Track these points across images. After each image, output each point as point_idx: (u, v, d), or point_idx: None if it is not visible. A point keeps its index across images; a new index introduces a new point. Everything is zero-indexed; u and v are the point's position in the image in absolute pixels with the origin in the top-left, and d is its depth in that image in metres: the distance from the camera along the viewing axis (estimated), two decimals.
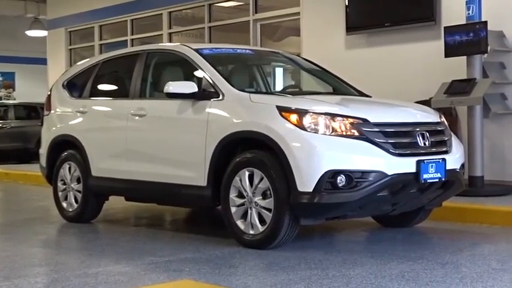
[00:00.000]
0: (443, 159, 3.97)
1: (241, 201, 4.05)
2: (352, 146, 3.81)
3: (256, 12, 8.50)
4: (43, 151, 5.59)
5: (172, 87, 4.29)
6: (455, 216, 4.70)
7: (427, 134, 4.00)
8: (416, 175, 3.84)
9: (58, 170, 5.35)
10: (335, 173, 3.73)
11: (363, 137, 3.81)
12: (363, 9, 6.86)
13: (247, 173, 4.00)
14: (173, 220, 5.65)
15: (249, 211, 4.01)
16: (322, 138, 3.81)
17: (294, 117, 3.87)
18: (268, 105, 4.04)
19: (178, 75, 5.08)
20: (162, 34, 9.93)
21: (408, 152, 3.92)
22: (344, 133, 3.83)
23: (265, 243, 3.92)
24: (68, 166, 5.25)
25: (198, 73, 4.55)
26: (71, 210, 5.23)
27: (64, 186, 5.30)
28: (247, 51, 5.34)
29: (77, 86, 5.55)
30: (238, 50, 5.16)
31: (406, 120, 4.11)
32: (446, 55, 5.56)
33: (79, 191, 5.14)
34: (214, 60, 4.63)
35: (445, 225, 4.58)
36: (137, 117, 4.73)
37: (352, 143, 3.81)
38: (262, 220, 3.93)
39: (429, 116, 4.27)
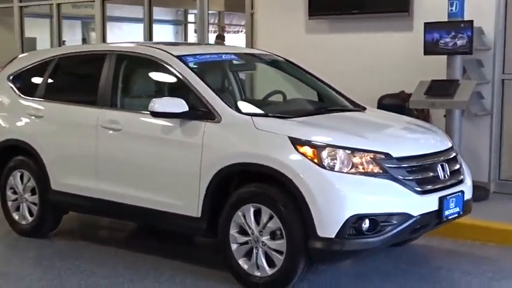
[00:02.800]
0: (462, 192, 3.64)
1: (245, 239, 3.54)
2: (376, 185, 3.34)
3: None
4: None
5: (158, 105, 3.66)
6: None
7: (446, 164, 3.62)
8: (439, 213, 3.48)
9: (7, 177, 4.61)
10: (360, 218, 3.27)
11: (386, 174, 3.35)
12: None
13: (252, 209, 3.49)
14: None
15: (254, 251, 3.51)
16: (345, 178, 3.31)
17: (310, 152, 3.34)
18: (279, 136, 3.45)
19: (159, 86, 4.44)
20: None
21: (430, 187, 3.49)
22: (366, 170, 3.35)
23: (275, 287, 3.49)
24: (19, 174, 4.54)
25: (184, 87, 3.86)
26: (24, 223, 4.53)
27: (15, 196, 4.57)
28: (233, 56, 4.63)
29: (26, 83, 4.73)
30: (223, 56, 4.48)
31: (427, 152, 3.64)
32: (426, 53, 5.00)
33: (34, 203, 4.45)
34: (202, 71, 4.04)
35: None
36: (110, 131, 4.06)
37: (376, 182, 3.34)
38: (269, 261, 3.46)
39: (443, 141, 3.84)
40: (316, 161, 3.33)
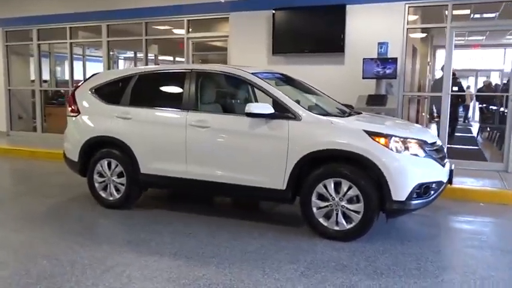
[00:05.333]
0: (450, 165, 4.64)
1: (325, 203, 4.28)
2: (425, 162, 4.19)
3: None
4: (73, 148, 5.55)
5: (253, 107, 4.40)
6: None
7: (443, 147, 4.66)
8: (450, 180, 4.53)
9: (94, 164, 5.41)
10: (420, 185, 4.10)
11: (427, 155, 4.22)
12: (287, 39, 7.89)
13: (332, 182, 4.23)
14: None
15: (334, 212, 4.26)
16: (408, 158, 4.11)
17: (382, 140, 4.11)
18: (355, 130, 4.22)
19: (241, 94, 5.45)
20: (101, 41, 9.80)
21: (444, 162, 4.46)
22: (417, 152, 4.18)
23: (352, 237, 4.24)
24: (106, 162, 5.34)
25: (263, 95, 4.66)
26: (111, 199, 5.35)
27: (102, 179, 5.38)
28: (275, 74, 5.42)
29: (109, 94, 5.50)
30: (276, 75, 5.35)
31: (436, 140, 4.60)
32: (364, 77, 7.09)
33: (121, 184, 5.26)
34: (273, 84, 4.81)
35: None
36: (198, 128, 4.75)
37: (424, 160, 4.19)
38: (346, 219, 4.23)
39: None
40: (387, 146, 4.08)
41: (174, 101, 5.09)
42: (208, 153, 4.75)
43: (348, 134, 4.22)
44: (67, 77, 11.00)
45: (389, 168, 4.03)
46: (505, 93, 7.12)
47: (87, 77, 5.97)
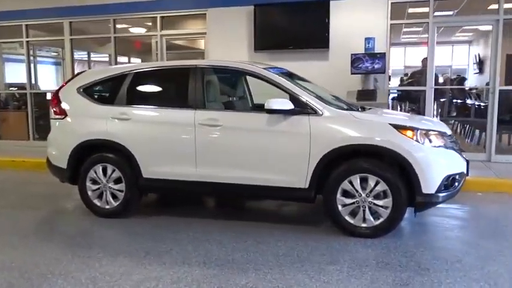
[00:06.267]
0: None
1: (350, 200, 4.14)
2: (449, 154, 4.16)
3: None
4: (61, 154, 5.03)
5: (272, 103, 4.20)
6: None
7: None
8: (467, 171, 4.42)
9: (87, 171, 4.94)
10: (448, 177, 4.06)
11: (449, 146, 4.19)
12: (269, 36, 7.70)
13: (358, 178, 4.10)
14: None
15: (361, 208, 4.13)
16: (435, 150, 4.06)
17: (409, 134, 4.03)
18: (380, 123, 4.12)
19: (249, 91, 5.21)
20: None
21: (462, 154, 4.43)
22: (442, 144, 4.13)
23: (380, 234, 4.11)
24: (101, 167, 4.90)
25: (278, 89, 4.41)
26: (108, 207, 4.91)
27: (97, 186, 4.93)
28: (283, 70, 5.12)
29: (102, 93, 5.06)
30: (281, 70, 5.00)
31: (451, 132, 4.50)
32: (353, 73, 7.09)
33: (120, 190, 4.84)
34: (288, 78, 4.54)
35: None
36: (209, 127, 4.45)
37: (449, 152, 4.16)
38: (373, 215, 4.11)
39: None
40: (415, 140, 4.00)
41: (178, 99, 4.76)
42: (222, 153, 4.46)
43: (375, 129, 4.10)
44: (20, 80, 10.10)
45: (419, 162, 3.95)
46: (487, 86, 7.31)
47: (71, 76, 5.45)
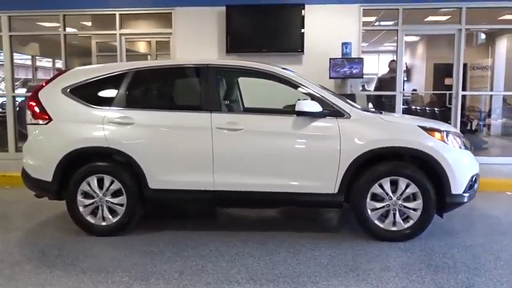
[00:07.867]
0: None
1: (381, 204, 4.06)
2: (470, 155, 4.23)
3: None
4: (45, 165, 4.34)
5: (303, 105, 4.04)
6: None
7: None
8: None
9: (78, 183, 4.32)
10: (473, 177, 4.15)
11: (466, 147, 4.27)
12: (243, 38, 7.41)
13: (389, 181, 4.04)
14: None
15: (391, 212, 4.08)
16: (462, 151, 4.14)
17: (438, 135, 4.07)
18: (410, 126, 4.11)
19: (265, 92, 4.87)
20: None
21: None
22: (462, 146, 4.20)
23: (410, 237, 4.08)
24: (96, 179, 4.31)
25: (303, 92, 4.26)
26: (105, 224, 4.34)
27: (91, 200, 4.33)
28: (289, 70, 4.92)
29: (94, 95, 4.44)
30: (290, 70, 4.78)
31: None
32: (331, 77, 7.07)
33: (120, 204, 4.30)
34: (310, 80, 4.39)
35: None
36: (228, 131, 4.14)
37: (468, 153, 4.23)
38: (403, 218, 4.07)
39: None
40: (444, 141, 4.05)
41: (189, 102, 4.44)
42: (244, 159, 4.15)
43: (406, 131, 4.08)
44: None
45: (450, 163, 3.99)
46: (449, 91, 7.70)
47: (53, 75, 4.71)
